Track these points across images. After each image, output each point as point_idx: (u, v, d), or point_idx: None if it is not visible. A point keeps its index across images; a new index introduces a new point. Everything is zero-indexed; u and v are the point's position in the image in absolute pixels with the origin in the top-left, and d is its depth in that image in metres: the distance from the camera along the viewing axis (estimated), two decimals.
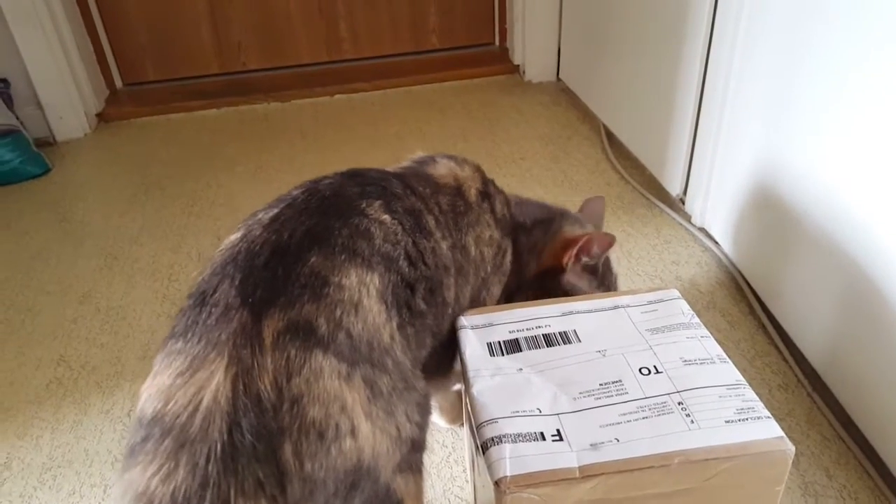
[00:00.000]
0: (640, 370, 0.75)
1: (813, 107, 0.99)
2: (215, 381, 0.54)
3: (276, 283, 0.62)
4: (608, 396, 0.73)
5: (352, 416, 0.59)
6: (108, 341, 1.28)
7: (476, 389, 0.74)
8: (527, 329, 0.82)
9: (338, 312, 0.62)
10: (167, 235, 1.60)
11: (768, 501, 0.70)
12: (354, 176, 0.81)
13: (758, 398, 0.71)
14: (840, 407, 0.99)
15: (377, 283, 0.69)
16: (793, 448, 0.66)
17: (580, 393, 0.73)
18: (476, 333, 0.82)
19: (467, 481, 0.97)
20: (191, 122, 2.24)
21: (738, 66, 1.18)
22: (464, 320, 0.83)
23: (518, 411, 0.71)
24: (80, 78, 2.17)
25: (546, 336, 0.81)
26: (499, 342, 0.80)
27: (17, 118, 1.99)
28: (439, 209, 0.86)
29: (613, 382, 0.74)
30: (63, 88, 2.10)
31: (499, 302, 0.95)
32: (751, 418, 0.69)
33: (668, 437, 0.67)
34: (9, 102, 2.00)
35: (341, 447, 0.57)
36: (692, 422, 0.69)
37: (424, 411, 0.70)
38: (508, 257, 0.96)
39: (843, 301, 0.95)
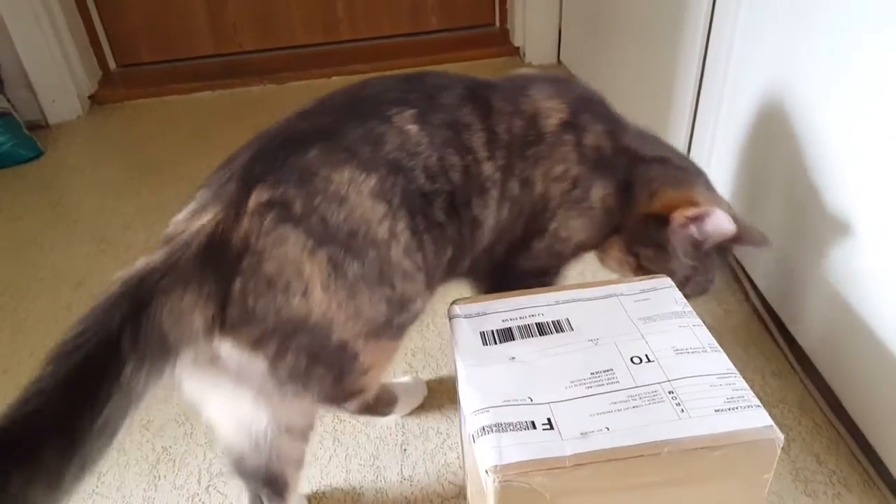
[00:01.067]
0: (631, 359, 0.76)
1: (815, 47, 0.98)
2: (204, 221, 0.69)
3: (274, 165, 0.74)
4: (599, 385, 0.73)
5: (307, 281, 0.71)
6: None
7: (467, 378, 0.74)
8: (520, 318, 0.82)
9: (316, 200, 0.72)
10: (162, 220, 1.55)
11: (757, 489, 0.70)
12: (411, 80, 0.85)
13: (748, 387, 0.71)
14: (832, 393, 0.99)
15: (372, 184, 0.75)
16: (782, 437, 0.66)
17: (571, 382, 0.73)
18: (469, 322, 0.81)
19: (461, 468, 0.97)
20: (185, 105, 2.23)
21: (738, 48, 1.17)
22: (457, 308, 0.83)
23: (509, 400, 0.71)
24: (73, 60, 2.15)
25: (539, 325, 0.81)
26: (491, 331, 0.80)
27: (9, 101, 1.97)
28: (508, 130, 0.86)
29: (605, 371, 0.74)
30: (55, 70, 2.08)
31: (595, 236, 0.96)
32: (740, 407, 0.70)
33: (658, 426, 0.67)
34: (0, 85, 1.98)
35: (288, 300, 0.70)
36: (682, 411, 0.69)
37: (395, 309, 0.79)
38: (596, 192, 0.91)
39: (836, 288, 0.95)
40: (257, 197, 0.71)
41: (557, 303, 0.84)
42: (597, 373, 0.74)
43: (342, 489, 0.96)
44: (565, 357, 0.76)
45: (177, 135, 2.03)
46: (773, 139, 1.08)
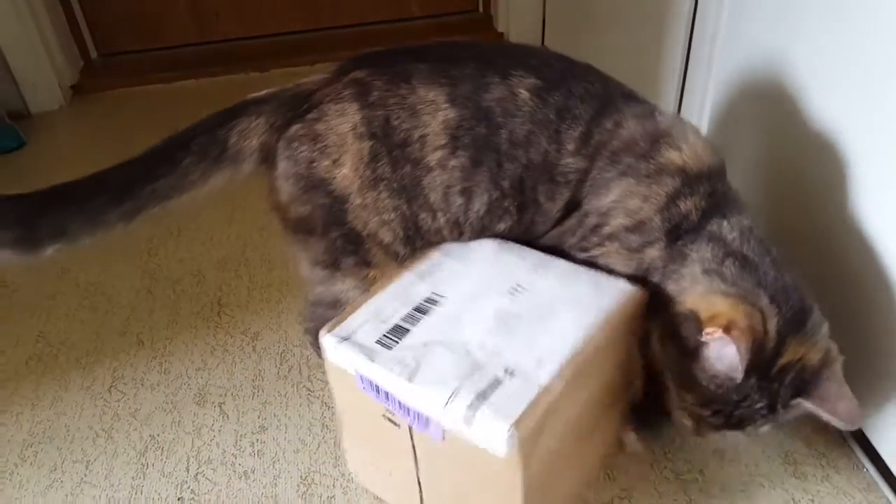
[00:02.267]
0: (510, 290, 0.82)
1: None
2: (315, 78, 0.88)
3: (389, 59, 0.85)
4: (509, 323, 0.78)
5: (342, 154, 0.83)
6: (88, 317, 1.27)
7: (407, 384, 0.72)
8: (394, 313, 0.80)
9: (392, 100, 0.82)
10: None
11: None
12: (561, 60, 0.88)
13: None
14: None
15: (450, 115, 0.82)
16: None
17: (487, 332, 0.77)
18: (354, 342, 0.77)
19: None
20: (168, 94, 2.20)
21: (725, 22, 1.16)
22: (331, 338, 0.77)
23: (462, 375, 0.72)
24: (53, 49, 2.11)
25: (416, 308, 0.81)
26: (384, 336, 0.77)
27: None
28: (620, 140, 0.83)
29: (503, 314, 0.79)
30: (36, 60, 2.04)
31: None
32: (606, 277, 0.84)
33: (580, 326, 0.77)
34: None
35: (321, 160, 0.83)
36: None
37: (404, 226, 0.87)
38: (651, 253, 0.83)
39: (823, 274, 0.96)
40: (354, 74, 0.84)
41: (413, 283, 0.85)
42: (499, 316, 0.79)
43: (331, 475, 0.96)
44: (462, 318, 0.79)
45: (159, 124, 1.97)
46: (765, 117, 1.08)
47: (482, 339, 0.76)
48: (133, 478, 0.98)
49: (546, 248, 0.89)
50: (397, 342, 0.76)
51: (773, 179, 1.06)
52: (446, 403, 0.69)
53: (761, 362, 0.75)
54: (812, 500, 0.89)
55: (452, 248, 0.89)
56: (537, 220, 0.88)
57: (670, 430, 0.98)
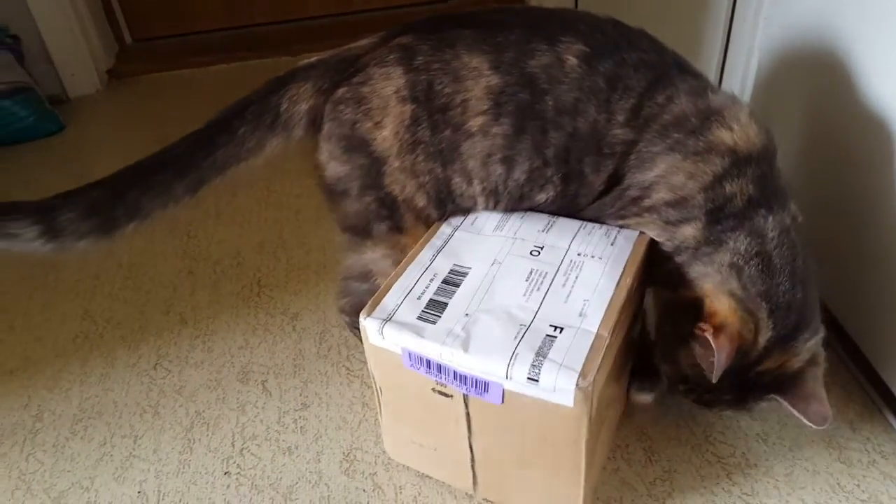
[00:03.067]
0: (530, 252, 0.84)
1: None
2: (363, 42, 0.89)
3: (436, 25, 0.87)
4: (540, 283, 0.80)
5: (384, 117, 0.84)
6: (131, 296, 1.29)
7: (468, 353, 0.73)
8: (426, 288, 0.81)
9: (435, 65, 0.83)
10: None
11: None
12: (617, 26, 0.86)
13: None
14: (864, 359, 0.99)
15: (493, 82, 0.83)
16: None
17: (522, 295, 0.79)
18: (397, 322, 0.78)
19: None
20: (201, 78, 2.22)
21: None
22: (371, 321, 0.78)
23: (512, 337, 0.74)
24: (90, 34, 2.14)
25: (445, 281, 0.82)
26: (423, 312, 0.78)
27: (30, 75, 1.97)
28: (671, 115, 0.82)
29: (529, 273, 0.82)
30: (74, 44, 2.07)
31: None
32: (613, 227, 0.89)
33: (608, 275, 0.81)
34: (20, 59, 1.98)
35: (364, 121, 0.85)
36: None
37: (438, 189, 0.88)
38: (687, 230, 0.83)
39: (862, 251, 0.95)
40: (400, 39, 0.86)
41: (433, 258, 0.86)
42: (529, 277, 0.81)
43: (372, 453, 0.97)
44: (494, 286, 0.81)
45: (192, 107, 2.02)
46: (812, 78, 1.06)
47: (519, 301, 0.78)
48: (180, 452, 1.00)
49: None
50: (439, 316, 0.77)
51: (815, 149, 1.04)
52: (508, 367, 0.71)
53: (741, 366, 0.79)
54: (858, 486, 0.88)
55: (457, 220, 0.91)
56: (581, 193, 0.88)
57: (710, 415, 0.98)
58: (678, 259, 0.84)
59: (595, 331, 0.74)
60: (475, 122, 0.84)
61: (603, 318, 0.75)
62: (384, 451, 0.97)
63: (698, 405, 0.88)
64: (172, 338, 1.19)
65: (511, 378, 0.71)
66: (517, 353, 0.72)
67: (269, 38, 2.38)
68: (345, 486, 0.93)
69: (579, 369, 0.69)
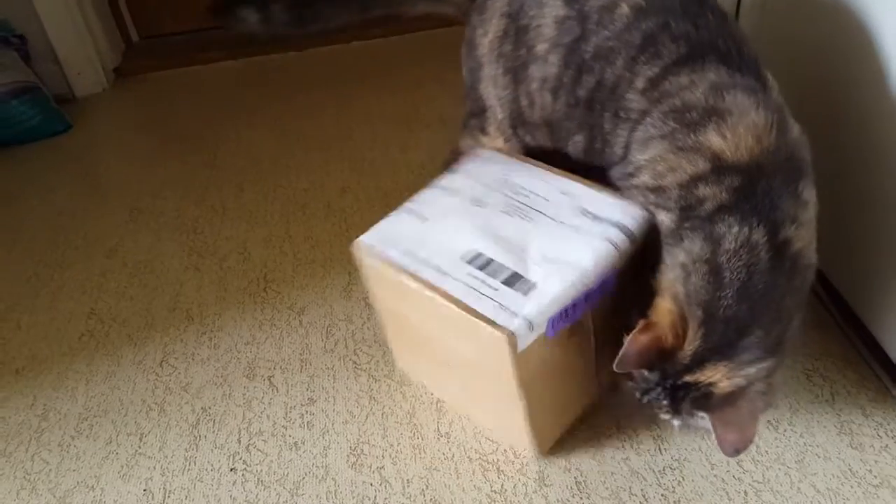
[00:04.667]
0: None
1: None
2: None
3: None
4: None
5: (487, 29, 0.98)
6: (137, 294, 1.29)
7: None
8: (501, 269, 0.84)
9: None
10: (190, 188, 1.60)
11: None
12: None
13: None
14: (877, 346, 0.97)
15: (559, 13, 0.89)
16: None
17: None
18: (537, 304, 0.79)
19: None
20: (208, 75, 2.22)
21: None
22: (524, 329, 0.77)
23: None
24: (97, 32, 2.14)
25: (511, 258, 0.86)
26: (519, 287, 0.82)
27: (36, 74, 1.98)
28: (676, 91, 0.81)
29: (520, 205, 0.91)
30: (80, 44, 2.07)
31: None
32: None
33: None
34: (26, 59, 1.98)
35: (478, 26, 0.99)
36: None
37: (511, 105, 0.98)
38: (664, 217, 0.83)
39: (876, 238, 0.93)
40: None
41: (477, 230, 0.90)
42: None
43: (380, 446, 0.96)
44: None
45: (201, 105, 2.03)
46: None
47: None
48: (186, 449, 0.99)
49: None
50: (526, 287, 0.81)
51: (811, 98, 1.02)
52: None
53: (669, 371, 0.76)
54: (870, 471, 0.87)
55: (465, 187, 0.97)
56: (605, 151, 0.90)
57: None
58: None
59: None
60: (541, 48, 0.91)
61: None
62: (391, 445, 0.96)
63: (644, 404, 0.83)
64: (178, 335, 1.19)
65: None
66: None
67: None
68: (352, 480, 0.93)
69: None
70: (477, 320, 0.78)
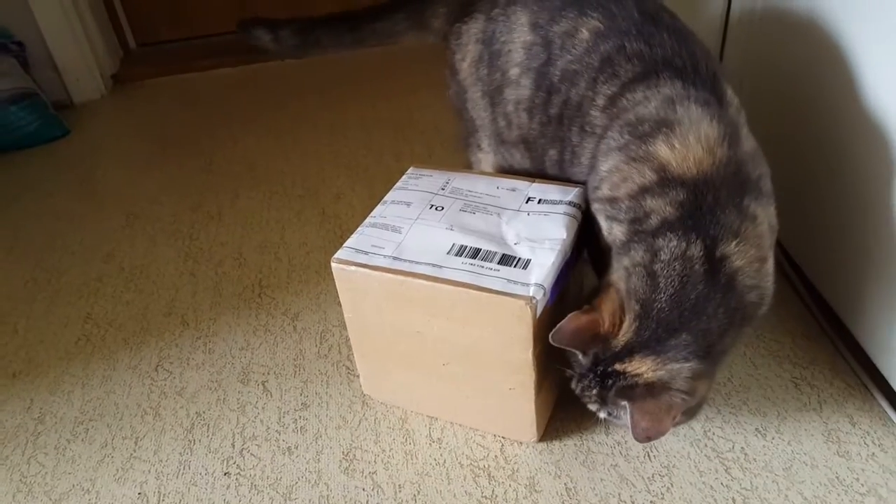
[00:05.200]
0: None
1: None
2: None
3: None
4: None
5: (465, 53, 1.04)
6: (133, 299, 1.30)
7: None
8: (492, 254, 0.89)
9: (500, 17, 0.98)
10: (186, 194, 1.61)
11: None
12: (654, 14, 0.89)
13: None
14: (864, 355, 0.98)
15: (527, 39, 0.95)
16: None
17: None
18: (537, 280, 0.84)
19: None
20: (205, 81, 2.23)
21: None
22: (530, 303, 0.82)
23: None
24: (95, 40, 2.16)
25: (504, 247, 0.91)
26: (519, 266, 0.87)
27: (35, 81, 1.99)
28: (635, 115, 0.84)
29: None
30: (78, 50, 2.09)
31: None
32: None
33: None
34: (25, 65, 2.00)
35: (457, 51, 1.06)
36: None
37: (493, 126, 1.04)
38: (616, 229, 0.86)
39: (864, 247, 0.94)
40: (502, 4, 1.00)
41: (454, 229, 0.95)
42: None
43: (372, 452, 0.97)
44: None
45: (197, 111, 2.04)
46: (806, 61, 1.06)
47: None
48: (181, 453, 1.00)
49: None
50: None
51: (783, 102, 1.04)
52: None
53: (602, 357, 0.80)
54: (857, 479, 0.88)
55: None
56: (574, 162, 0.94)
57: (709, 410, 0.98)
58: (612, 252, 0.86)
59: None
60: (514, 72, 0.97)
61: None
62: (383, 450, 0.97)
63: (577, 395, 0.86)
64: (174, 339, 1.20)
65: None
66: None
67: None
68: (344, 485, 0.94)
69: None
70: (494, 295, 0.82)
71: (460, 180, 1.03)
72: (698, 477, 0.90)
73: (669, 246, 0.78)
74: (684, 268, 0.77)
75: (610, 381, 0.80)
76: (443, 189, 1.02)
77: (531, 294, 0.81)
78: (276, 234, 1.44)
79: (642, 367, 0.78)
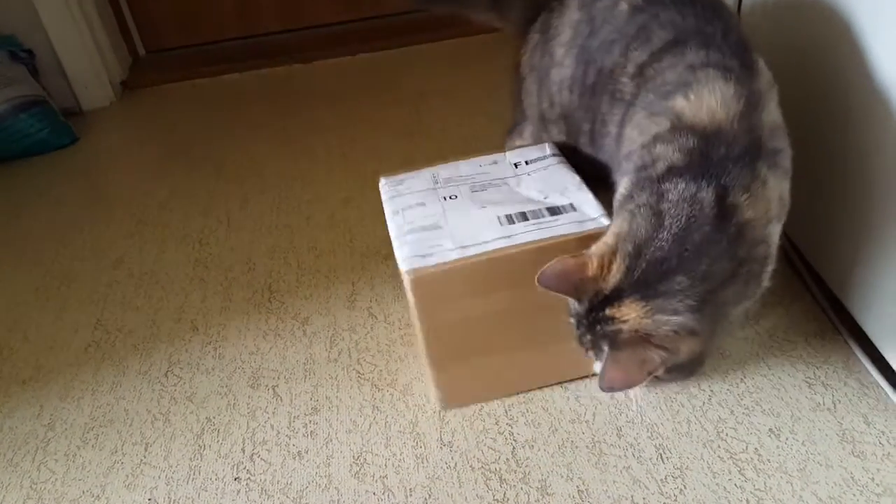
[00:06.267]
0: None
1: None
2: None
3: None
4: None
5: (526, 43, 1.10)
6: (143, 305, 1.30)
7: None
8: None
9: (554, 3, 1.04)
10: (196, 200, 1.61)
11: None
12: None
13: None
14: (878, 354, 0.97)
15: (573, 17, 1.00)
16: None
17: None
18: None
19: (500, 433, 0.97)
20: (214, 87, 2.24)
21: None
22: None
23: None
24: (104, 47, 2.17)
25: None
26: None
27: (44, 89, 2.00)
28: (661, 79, 0.87)
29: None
30: (87, 58, 2.10)
31: None
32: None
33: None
34: (34, 73, 2.01)
35: (523, 46, 1.12)
36: None
37: (539, 108, 1.09)
38: (625, 183, 0.86)
39: (877, 244, 0.93)
40: None
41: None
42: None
43: (383, 456, 0.97)
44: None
45: (206, 117, 2.05)
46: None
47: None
48: (191, 459, 1.00)
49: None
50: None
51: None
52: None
53: (593, 303, 0.79)
54: (872, 479, 0.87)
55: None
56: (602, 133, 0.96)
57: (722, 410, 0.97)
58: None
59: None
60: (559, 53, 1.01)
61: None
62: (394, 454, 0.97)
63: (578, 344, 0.86)
64: (184, 345, 1.20)
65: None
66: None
67: (281, 46, 2.39)
68: (355, 489, 0.93)
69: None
70: (578, 237, 0.88)
71: (444, 171, 1.06)
72: (712, 478, 0.89)
73: (678, 188, 0.78)
74: (693, 208, 0.76)
75: (598, 327, 0.79)
76: (437, 182, 1.03)
77: (607, 223, 0.87)
78: (286, 238, 1.44)
79: (631, 314, 0.76)
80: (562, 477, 0.91)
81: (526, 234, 0.89)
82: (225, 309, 1.27)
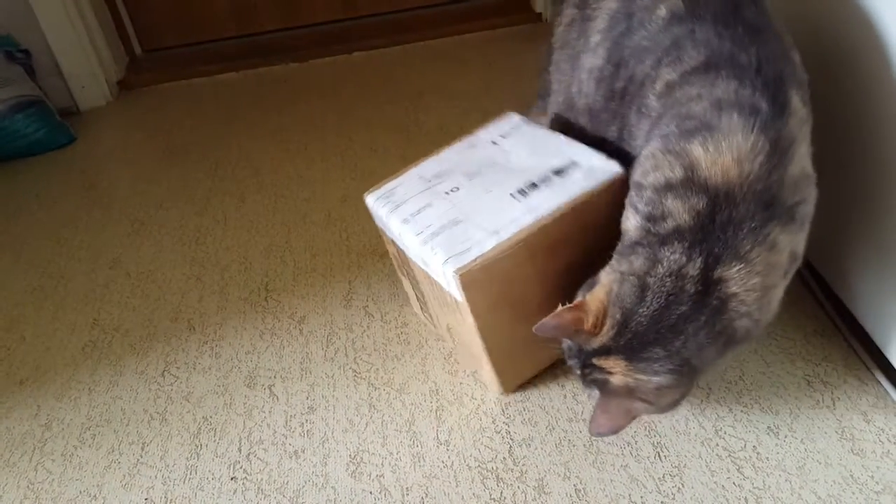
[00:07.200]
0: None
1: None
2: None
3: None
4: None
5: (562, 17, 1.06)
6: (140, 304, 1.30)
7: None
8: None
9: None
10: (192, 199, 1.61)
11: None
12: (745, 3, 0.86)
13: None
14: (878, 351, 0.97)
15: (612, 6, 0.94)
16: None
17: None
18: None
19: (497, 432, 0.97)
20: (211, 87, 2.23)
21: None
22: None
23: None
24: (100, 46, 2.16)
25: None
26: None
27: (41, 89, 2.00)
28: (687, 109, 0.81)
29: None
30: (84, 58, 2.10)
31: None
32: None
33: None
34: (31, 73, 2.00)
35: (559, 15, 1.08)
36: None
37: (567, 91, 1.04)
38: (632, 220, 0.84)
39: (877, 243, 0.93)
40: None
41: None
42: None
43: (379, 455, 0.96)
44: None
45: (203, 116, 2.04)
46: None
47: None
48: (187, 458, 1.00)
49: None
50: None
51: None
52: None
53: (583, 349, 0.83)
54: (872, 477, 0.86)
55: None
56: (631, 144, 0.93)
57: (720, 408, 0.96)
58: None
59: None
60: (594, 39, 0.96)
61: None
62: (390, 453, 0.96)
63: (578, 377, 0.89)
64: (180, 344, 1.19)
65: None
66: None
67: (277, 45, 2.39)
68: (351, 488, 0.93)
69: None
70: (598, 189, 0.91)
71: (427, 167, 1.06)
72: (710, 477, 0.89)
73: (671, 259, 0.77)
74: (675, 286, 0.77)
75: (588, 370, 0.83)
76: (430, 180, 1.02)
77: (617, 169, 0.91)
78: (282, 237, 1.43)
79: (616, 368, 0.80)
80: (559, 476, 0.91)
81: (547, 201, 0.91)
82: (221, 308, 1.26)
